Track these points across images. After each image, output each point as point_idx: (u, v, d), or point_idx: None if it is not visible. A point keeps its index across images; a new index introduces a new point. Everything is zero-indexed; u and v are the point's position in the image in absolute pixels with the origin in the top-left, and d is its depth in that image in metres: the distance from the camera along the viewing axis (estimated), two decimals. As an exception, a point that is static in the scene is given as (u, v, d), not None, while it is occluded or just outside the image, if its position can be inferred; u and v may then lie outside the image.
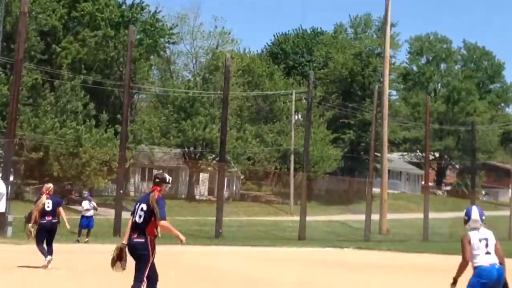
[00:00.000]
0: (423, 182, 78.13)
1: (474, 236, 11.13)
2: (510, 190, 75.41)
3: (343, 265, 28.23)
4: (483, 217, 11.31)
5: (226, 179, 67.12)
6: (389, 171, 69.81)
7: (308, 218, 51.08)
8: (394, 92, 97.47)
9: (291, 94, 73.13)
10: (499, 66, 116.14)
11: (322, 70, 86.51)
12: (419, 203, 69.10)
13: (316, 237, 50.19)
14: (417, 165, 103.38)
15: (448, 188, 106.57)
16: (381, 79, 65.78)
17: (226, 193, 69.14)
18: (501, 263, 11.01)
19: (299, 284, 20.19)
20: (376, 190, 63.04)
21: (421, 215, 58.66)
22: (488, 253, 10.95)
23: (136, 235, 11.47)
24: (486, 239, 11.06)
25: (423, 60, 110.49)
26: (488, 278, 10.84)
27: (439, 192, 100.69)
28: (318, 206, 73.08)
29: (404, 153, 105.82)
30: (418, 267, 29.27)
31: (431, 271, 27.58)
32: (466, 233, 11.32)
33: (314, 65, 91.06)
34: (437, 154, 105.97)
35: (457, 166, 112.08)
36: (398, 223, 63.42)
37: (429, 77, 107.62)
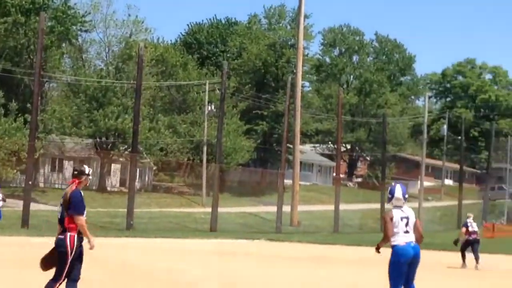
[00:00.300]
0: (334, 174, 78.94)
1: (396, 214, 11.49)
2: (419, 182, 76.81)
3: (253, 257, 28.33)
4: (406, 196, 11.65)
5: (138, 170, 66.53)
6: (301, 162, 70.27)
7: (220, 210, 51.08)
8: (307, 84, 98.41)
9: (205, 84, 72.88)
10: (410, 59, 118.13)
11: (236, 61, 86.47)
12: (330, 195, 69.83)
13: (228, 229, 50.28)
14: (329, 156, 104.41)
15: (359, 180, 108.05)
16: (294, 71, 66.03)
17: (138, 184, 68.57)
18: (418, 240, 11.45)
19: (209, 276, 20.17)
20: (288, 181, 63.43)
21: (332, 207, 59.27)
22: (406, 232, 11.36)
23: (60, 232, 11.13)
24: (407, 218, 11.46)
25: (336, 52, 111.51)
26: (405, 256, 11.27)
27: (350, 184, 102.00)
28: (230, 197, 73.13)
29: (316, 145, 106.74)
30: (328, 259, 29.57)
31: (341, 262, 27.90)
32: (389, 210, 11.69)
33: (228, 55, 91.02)
34: (348, 146, 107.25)
35: (368, 158, 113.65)
36: (309, 215, 63.97)
37: (341, 69, 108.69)
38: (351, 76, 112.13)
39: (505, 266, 30.87)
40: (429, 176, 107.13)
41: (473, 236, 27.78)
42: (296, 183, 59.32)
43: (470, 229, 27.97)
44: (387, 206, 51.30)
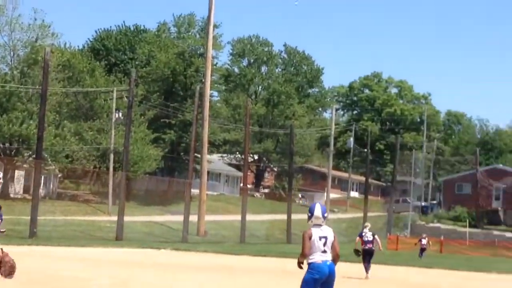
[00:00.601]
0: (241, 184, 78.95)
1: (315, 232, 11.60)
2: (325, 194, 77.57)
3: (159, 266, 27.96)
4: (326, 214, 11.82)
5: (42, 177, 65.14)
6: (208, 172, 70.12)
7: (126, 218, 50.50)
8: (215, 93, 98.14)
9: (112, 91, 71.91)
10: (318, 71, 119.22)
11: (144, 69, 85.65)
12: (237, 205, 69.82)
13: (133, 238, 49.73)
14: (237, 167, 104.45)
15: (266, 190, 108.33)
16: (203, 80, 65.86)
17: (42, 192, 67.10)
18: (334, 260, 11.60)
19: (113, 284, 19.78)
20: (195, 191, 63.18)
21: (239, 217, 59.25)
22: (324, 251, 11.48)
23: None
24: (326, 238, 11.56)
25: (245, 62, 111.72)
26: (320, 274, 11.40)
27: (257, 194, 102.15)
28: (136, 206, 72.36)
29: (224, 155, 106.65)
30: (234, 268, 29.42)
31: (246, 272, 27.79)
32: (308, 228, 11.74)
33: (137, 63, 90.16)
34: (256, 157, 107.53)
35: (275, 169, 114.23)
36: (216, 225, 63.80)
37: (250, 79, 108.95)
38: (260, 87, 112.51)
39: (403, 277, 31.31)
40: (335, 188, 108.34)
41: (369, 246, 28.01)
42: (203, 193, 59.09)
43: (364, 239, 28.20)
44: (296, 216, 51.73)
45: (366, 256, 27.86)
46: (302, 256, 11.59)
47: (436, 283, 27.85)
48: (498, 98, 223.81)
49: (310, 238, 11.56)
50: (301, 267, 11.70)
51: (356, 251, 28.07)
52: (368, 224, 30.02)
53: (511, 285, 29.42)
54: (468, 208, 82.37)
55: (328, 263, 11.47)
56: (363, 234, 28.46)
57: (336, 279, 11.73)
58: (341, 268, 29.99)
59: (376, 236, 28.68)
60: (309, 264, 11.51)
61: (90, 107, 76.39)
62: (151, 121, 79.91)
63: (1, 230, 29.91)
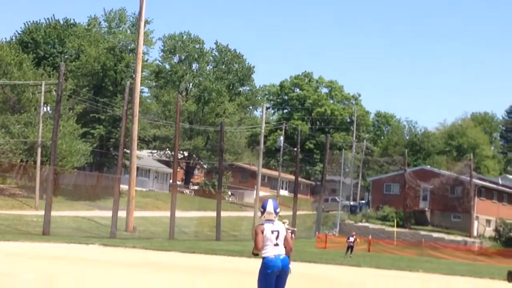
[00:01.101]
0: (171, 181, 78.52)
1: (267, 227, 11.94)
2: (255, 192, 77.61)
3: (86, 261, 27.54)
4: (278, 210, 12.11)
5: (-34, 170, 63.83)
6: (138, 168, 69.58)
7: (53, 213, 49.79)
8: (146, 89, 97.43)
9: (41, 85, 70.81)
10: (249, 70, 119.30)
11: (74, 63, 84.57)
12: (167, 201, 69.51)
13: (61, 233, 49.04)
14: (166, 163, 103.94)
15: (196, 187, 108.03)
16: (134, 75, 65.23)
17: (-34, 185, 65.82)
18: (287, 253, 11.95)
19: (39, 279, 19.38)
20: (124, 186, 62.57)
21: (168, 213, 58.88)
22: (276, 244, 11.84)
23: None
24: (278, 232, 11.96)
25: (176, 59, 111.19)
26: (273, 268, 11.72)
27: (187, 191, 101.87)
28: (64, 201, 71.42)
29: (154, 151, 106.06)
30: (163, 264, 29.14)
31: (175, 268, 27.55)
32: (261, 223, 12.07)
33: (66, 57, 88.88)
34: (186, 153, 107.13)
35: (205, 166, 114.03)
36: (145, 221, 63.34)
37: (181, 76, 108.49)
38: (191, 84, 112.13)
39: (332, 275, 31.42)
40: (265, 186, 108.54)
41: None
42: (132, 188, 58.55)
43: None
44: (225, 213, 51.62)
45: None
46: (256, 249, 11.91)
47: (363, 281, 28.01)
48: (426, 100, 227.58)
49: (262, 232, 11.88)
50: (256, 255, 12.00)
51: None
52: (286, 221, 30.37)
53: (436, 284, 29.76)
54: (396, 208, 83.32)
55: (281, 257, 11.79)
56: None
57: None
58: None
59: (293, 235, 28.95)
60: (263, 258, 11.84)
61: (18, 100, 75.06)
62: (80, 115, 78.92)
63: None
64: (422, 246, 67.95)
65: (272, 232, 11.89)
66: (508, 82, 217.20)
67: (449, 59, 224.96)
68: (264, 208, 12.09)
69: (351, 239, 50.42)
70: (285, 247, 12.02)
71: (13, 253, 29.31)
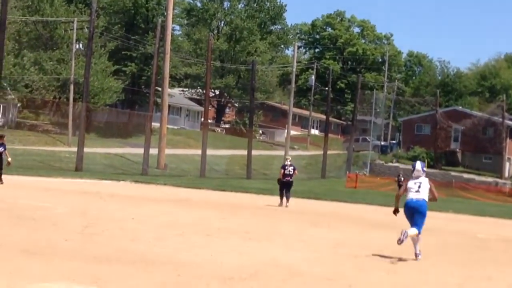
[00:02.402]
0: (202, 119, 78.69)
1: (411, 181, 15.70)
2: (286, 131, 77.66)
3: (118, 197, 27.88)
4: (424, 169, 15.92)
5: (1, 106, 64.35)
6: (169, 106, 69.77)
7: (86, 150, 50.28)
8: (177, 27, 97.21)
9: (73, 22, 70.88)
10: (280, 8, 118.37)
11: (105, 0, 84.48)
12: (198, 140, 69.82)
13: (93, 169, 49.57)
14: (198, 101, 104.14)
15: (227, 126, 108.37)
16: (165, 13, 65.02)
17: (1, 121, 66.43)
18: (432, 199, 15.70)
19: (71, 213, 19.69)
20: (156, 124, 62.92)
21: (199, 151, 59.19)
22: (417, 191, 15.41)
23: None
24: (420, 183, 15.55)
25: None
26: (407, 206, 15.47)
27: (218, 129, 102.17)
28: (97, 138, 72.05)
29: (185, 89, 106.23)
30: (193, 201, 29.45)
31: (205, 204, 27.84)
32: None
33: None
34: (217, 92, 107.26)
35: (236, 105, 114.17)
36: (176, 159, 63.75)
37: (212, 14, 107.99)
38: (222, 22, 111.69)
39: (361, 214, 31.57)
40: (296, 125, 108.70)
41: (287, 179, 30.15)
42: (163, 126, 58.86)
43: (286, 172, 30.24)
44: (256, 152, 51.79)
45: (284, 187, 30.24)
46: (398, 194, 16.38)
47: (393, 220, 28.12)
48: (459, 40, 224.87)
49: (406, 186, 15.77)
50: (395, 214, 16.23)
51: (278, 182, 30.95)
52: (289, 157, 32.18)
53: (465, 224, 29.81)
54: (426, 149, 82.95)
55: (415, 199, 15.34)
56: (286, 167, 30.51)
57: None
58: (307, 205, 30.44)
59: (296, 171, 30.98)
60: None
61: (50, 37, 75.26)
62: (112, 53, 79.02)
63: (8, 160, 30.03)
64: (452, 187, 67.79)
65: (415, 183, 15.52)
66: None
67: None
68: (413, 167, 15.90)
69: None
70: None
71: (46, 188, 29.74)
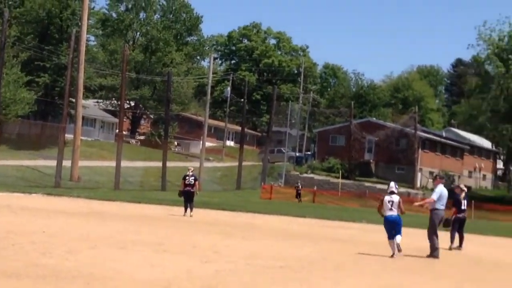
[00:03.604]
0: (117, 130, 77.97)
1: (387, 198, 19.15)
2: (201, 142, 77.47)
3: (29, 210, 27.36)
4: (396, 187, 19.59)
5: None
6: (83, 117, 68.96)
7: (-4, 162, 49.26)
8: (92, 38, 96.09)
9: (-16, 31, 69.43)
10: (197, 19, 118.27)
11: (18, 9, 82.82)
12: (112, 151, 69.16)
13: (4, 182, 48.56)
14: (113, 113, 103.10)
15: (142, 137, 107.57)
16: (80, 23, 64.32)
17: None
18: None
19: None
20: (69, 136, 62.07)
21: (114, 163, 58.64)
22: (391, 209, 18.99)
23: None
24: (392, 201, 19.05)
25: (123, 7, 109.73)
26: (387, 220, 19.12)
27: (133, 141, 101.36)
28: (8, 150, 70.62)
29: (100, 100, 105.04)
30: (107, 214, 29.11)
31: (119, 217, 27.53)
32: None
33: (10, 3, 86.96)
34: (132, 103, 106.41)
35: (152, 116, 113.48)
36: (90, 171, 63.02)
37: (128, 24, 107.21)
38: (138, 33, 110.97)
39: (277, 225, 31.68)
40: (212, 136, 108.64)
41: (187, 189, 30.98)
42: (77, 138, 58.14)
43: (186, 182, 31.10)
44: (171, 164, 51.48)
45: (186, 197, 31.06)
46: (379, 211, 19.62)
47: (307, 231, 28.33)
48: (373, 53, 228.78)
49: (382, 200, 19.25)
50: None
51: (179, 194, 31.77)
52: (191, 168, 32.66)
53: (378, 234, 30.14)
54: (341, 160, 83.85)
55: (393, 216, 19.04)
56: (187, 177, 31.27)
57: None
58: (218, 216, 30.30)
59: (197, 182, 31.81)
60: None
61: (-40, 46, 73.45)
62: (25, 63, 77.53)
63: None
64: (366, 197, 68.69)
65: (389, 201, 19.02)
66: (454, 35, 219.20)
67: (396, 11, 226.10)
68: (389, 185, 19.54)
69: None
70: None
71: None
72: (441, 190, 20.29)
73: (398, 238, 18.86)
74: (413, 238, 24.58)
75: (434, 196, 20.12)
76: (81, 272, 12.45)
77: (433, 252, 19.85)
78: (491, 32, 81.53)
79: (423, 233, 21.58)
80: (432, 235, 19.95)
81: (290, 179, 79.97)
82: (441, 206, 20.33)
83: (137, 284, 11.64)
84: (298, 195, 65.66)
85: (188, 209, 30.97)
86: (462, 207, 23.64)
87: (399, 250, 18.95)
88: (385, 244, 19.39)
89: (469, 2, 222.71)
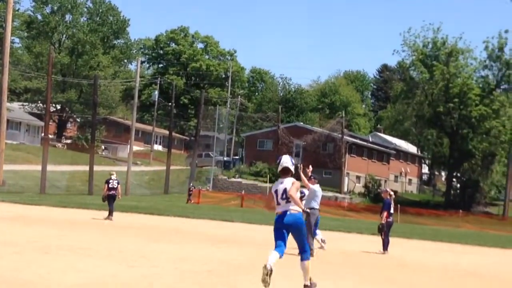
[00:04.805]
0: (43, 134, 76.93)
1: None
2: (128, 146, 76.98)
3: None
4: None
5: None
6: (8, 120, 67.76)
7: None
8: (17, 40, 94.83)
9: None
10: (124, 23, 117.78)
11: None
12: (38, 155, 68.21)
13: None
14: (38, 116, 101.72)
15: (69, 141, 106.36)
16: (4, 25, 63.27)
17: None
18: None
19: None
20: (-7, 139, 60.93)
21: (39, 167, 57.85)
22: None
23: None
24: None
25: (49, 9, 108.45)
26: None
27: (59, 144, 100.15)
28: None
29: (25, 104, 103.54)
30: (32, 218, 28.68)
31: (44, 222, 27.17)
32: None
33: None
34: (58, 106, 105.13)
35: (78, 120, 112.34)
36: (15, 175, 62.00)
37: (54, 27, 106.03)
38: (64, 36, 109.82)
39: (204, 229, 31.66)
40: (139, 140, 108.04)
41: (112, 192, 31.36)
42: (1, 141, 57.01)
43: (110, 185, 31.36)
44: (98, 168, 51.00)
45: (110, 199, 31.34)
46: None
47: (235, 235, 28.37)
48: (301, 58, 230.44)
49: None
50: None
51: (103, 198, 32.18)
52: (113, 172, 33.01)
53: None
54: (269, 164, 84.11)
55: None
56: (110, 181, 31.51)
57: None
58: (146, 220, 30.09)
59: (119, 185, 31.94)
60: None
61: None
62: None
63: None
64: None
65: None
66: (379, 41, 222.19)
67: (323, 17, 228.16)
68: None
69: None
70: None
71: None
72: (315, 189, 21.33)
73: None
74: (341, 242, 24.79)
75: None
76: (4, 277, 12.24)
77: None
78: (415, 38, 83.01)
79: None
80: (308, 235, 19.28)
81: (218, 184, 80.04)
82: (316, 205, 21.37)
83: (62, 289, 11.49)
84: (189, 196, 64.53)
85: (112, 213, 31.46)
86: (391, 211, 23.93)
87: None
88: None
89: (395, 9, 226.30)
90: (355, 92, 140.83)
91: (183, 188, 75.28)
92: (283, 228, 12.58)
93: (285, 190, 12.48)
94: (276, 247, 12.49)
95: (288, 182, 12.56)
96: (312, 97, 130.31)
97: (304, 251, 12.72)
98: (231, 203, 66.04)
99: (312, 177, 21.49)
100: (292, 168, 12.72)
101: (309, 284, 12.72)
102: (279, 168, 12.84)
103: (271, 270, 11.85)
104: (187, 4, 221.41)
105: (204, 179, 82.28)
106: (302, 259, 12.69)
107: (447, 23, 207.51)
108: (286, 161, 12.82)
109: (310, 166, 20.91)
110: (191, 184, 67.47)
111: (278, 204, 12.58)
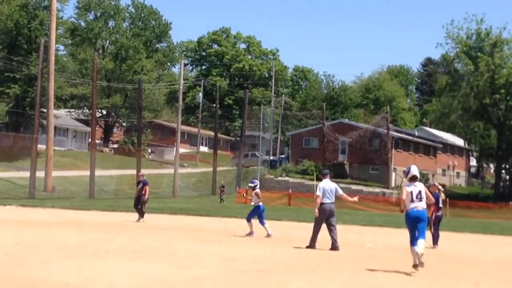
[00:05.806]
0: (90, 139, 77.70)
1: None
2: (175, 149, 77.35)
3: (4, 222, 27.16)
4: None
5: None
6: (55, 127, 68.68)
7: (-32, 175, 48.88)
8: (61, 47, 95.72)
9: (-48, 44, 69.03)
10: (166, 26, 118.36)
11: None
12: (86, 160, 68.87)
13: (-23, 195, 48.19)
14: (85, 122, 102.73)
15: (115, 145, 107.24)
16: (48, 33, 64.04)
17: None
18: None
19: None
20: (42, 146, 61.72)
21: (87, 172, 58.39)
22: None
23: None
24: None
25: (91, 16, 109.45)
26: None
27: (106, 149, 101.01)
28: (-20, 162, 70.16)
29: (72, 110, 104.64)
30: (82, 223, 28.96)
31: (95, 226, 27.40)
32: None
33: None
34: (104, 112, 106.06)
35: (124, 124, 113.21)
36: (64, 181, 62.67)
37: (97, 33, 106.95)
38: (107, 41, 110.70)
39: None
40: (185, 143, 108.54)
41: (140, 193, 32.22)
42: (50, 148, 57.83)
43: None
44: (145, 171, 51.34)
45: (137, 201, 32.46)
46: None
47: (282, 234, 28.36)
48: (344, 54, 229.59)
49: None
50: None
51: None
52: (143, 174, 34.48)
53: (354, 235, 30.28)
54: (315, 162, 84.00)
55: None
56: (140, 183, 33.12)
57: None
58: (198, 222, 30.09)
59: (146, 186, 32.96)
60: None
61: None
62: (-4, 75, 77.20)
63: None
64: (341, 199, 68.73)
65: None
66: (423, 35, 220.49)
67: (364, 12, 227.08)
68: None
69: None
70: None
71: None
72: (323, 185, 21.78)
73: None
74: (389, 237, 24.64)
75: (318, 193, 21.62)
76: (57, 282, 12.36)
77: (311, 242, 21.04)
78: (459, 30, 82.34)
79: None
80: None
81: (265, 183, 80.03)
82: (327, 200, 21.72)
83: (114, 292, 11.58)
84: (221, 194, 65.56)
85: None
86: (440, 205, 23.72)
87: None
88: (356, 245, 19.37)
89: (436, 1, 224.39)
90: (399, 87, 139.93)
91: (231, 188, 75.42)
92: (417, 219, 15.38)
93: (419, 192, 15.51)
94: (417, 237, 15.37)
95: (421, 186, 15.73)
96: (356, 93, 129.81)
97: (424, 237, 15.49)
98: (278, 202, 66.04)
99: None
100: (418, 175, 15.87)
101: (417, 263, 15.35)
102: (409, 176, 15.74)
103: (422, 254, 15.18)
104: (228, 5, 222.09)
105: (251, 179, 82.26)
106: (416, 245, 15.30)
107: (491, 14, 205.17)
108: (414, 170, 15.77)
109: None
110: (222, 182, 67.79)
111: (413, 201, 15.46)
